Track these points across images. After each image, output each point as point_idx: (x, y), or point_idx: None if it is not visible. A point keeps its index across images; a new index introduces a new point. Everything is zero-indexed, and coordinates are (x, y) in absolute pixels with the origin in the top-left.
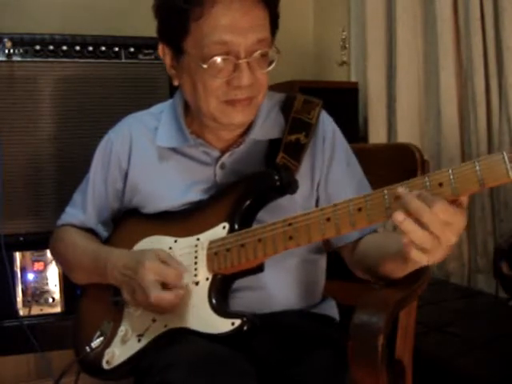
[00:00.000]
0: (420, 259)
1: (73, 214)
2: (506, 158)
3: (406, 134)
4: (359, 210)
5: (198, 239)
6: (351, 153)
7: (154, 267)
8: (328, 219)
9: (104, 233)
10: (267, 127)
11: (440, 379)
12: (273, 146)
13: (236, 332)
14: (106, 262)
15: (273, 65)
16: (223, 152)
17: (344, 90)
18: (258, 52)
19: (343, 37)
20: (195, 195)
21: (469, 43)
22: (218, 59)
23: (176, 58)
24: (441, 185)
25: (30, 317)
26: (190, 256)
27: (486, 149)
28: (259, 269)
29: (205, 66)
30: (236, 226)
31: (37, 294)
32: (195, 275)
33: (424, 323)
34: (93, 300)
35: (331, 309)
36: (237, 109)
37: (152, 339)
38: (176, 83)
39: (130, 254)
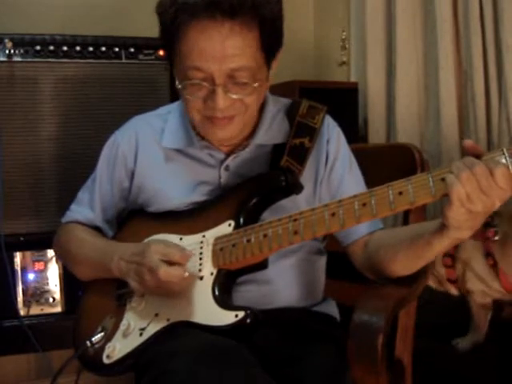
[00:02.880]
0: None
1: (79, 211)
2: (506, 154)
3: (406, 134)
4: (364, 204)
5: (203, 236)
6: (354, 159)
7: (159, 249)
8: (333, 214)
9: (109, 231)
10: (272, 133)
11: (440, 379)
12: (277, 149)
13: (239, 324)
14: (112, 255)
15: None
16: (228, 154)
17: (344, 90)
18: (236, 80)
19: (343, 37)
20: (200, 196)
21: (468, 43)
22: (194, 82)
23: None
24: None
25: (30, 317)
26: (196, 252)
27: (485, 149)
28: (263, 265)
29: (180, 86)
30: (241, 224)
31: (37, 294)
32: (200, 270)
33: (424, 323)
34: (95, 296)
35: (332, 308)
36: (216, 126)
37: (154, 333)
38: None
39: (137, 244)
